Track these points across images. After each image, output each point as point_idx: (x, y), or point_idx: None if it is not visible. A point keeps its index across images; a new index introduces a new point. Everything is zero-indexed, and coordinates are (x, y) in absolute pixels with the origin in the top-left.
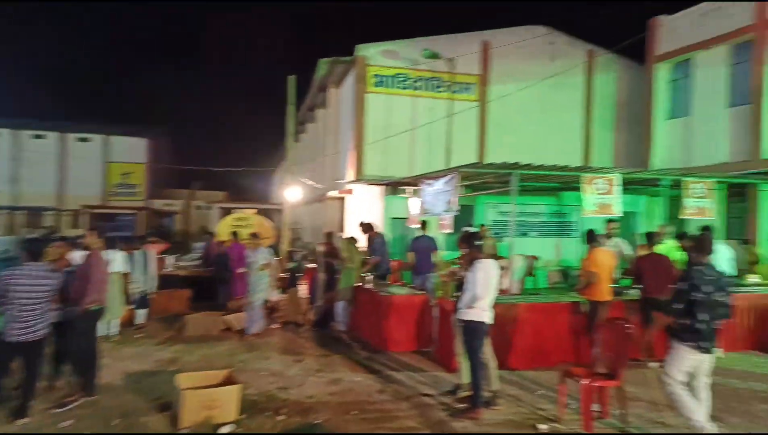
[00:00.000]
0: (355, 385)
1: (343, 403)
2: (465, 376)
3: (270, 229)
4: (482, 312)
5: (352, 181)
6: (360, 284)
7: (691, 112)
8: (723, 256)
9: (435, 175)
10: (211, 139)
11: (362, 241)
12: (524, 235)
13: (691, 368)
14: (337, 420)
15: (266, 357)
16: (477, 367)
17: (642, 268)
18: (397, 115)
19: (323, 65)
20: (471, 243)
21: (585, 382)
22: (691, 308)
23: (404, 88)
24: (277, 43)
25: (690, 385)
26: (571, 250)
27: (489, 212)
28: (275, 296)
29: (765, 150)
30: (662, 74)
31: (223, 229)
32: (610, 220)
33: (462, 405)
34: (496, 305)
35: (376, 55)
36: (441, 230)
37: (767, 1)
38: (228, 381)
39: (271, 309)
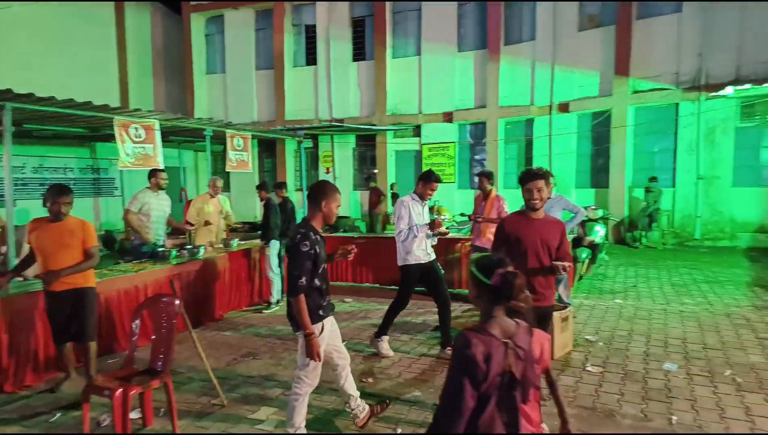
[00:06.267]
0: None
1: None
2: None
3: None
4: None
5: None
6: None
7: (225, 70)
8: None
9: None
10: None
11: None
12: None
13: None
14: None
15: None
16: None
17: None
18: None
19: None
20: None
21: (117, 394)
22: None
23: None
24: None
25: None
26: (115, 211)
27: None
28: None
29: (288, 112)
30: (197, 26)
31: None
32: (156, 171)
33: None
34: None
35: None
36: None
37: None
38: None
39: None
